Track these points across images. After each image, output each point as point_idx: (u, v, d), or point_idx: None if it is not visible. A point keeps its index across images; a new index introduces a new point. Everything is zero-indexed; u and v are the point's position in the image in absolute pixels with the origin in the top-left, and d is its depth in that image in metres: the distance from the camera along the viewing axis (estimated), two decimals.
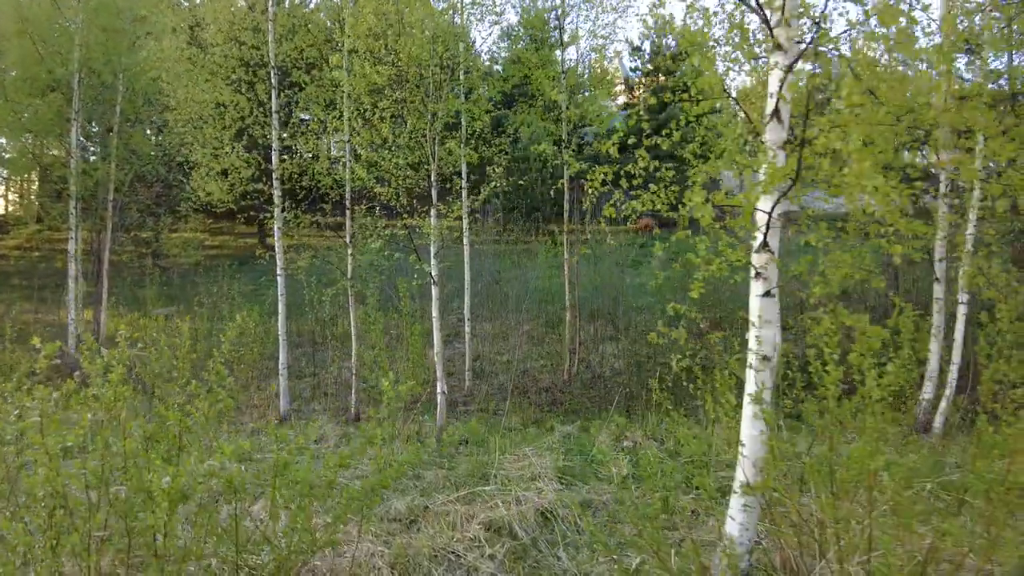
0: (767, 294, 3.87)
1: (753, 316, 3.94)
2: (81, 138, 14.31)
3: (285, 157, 9.04)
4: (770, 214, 3.66)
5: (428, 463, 6.96)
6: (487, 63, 18.72)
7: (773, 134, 3.76)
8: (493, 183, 7.53)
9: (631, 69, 28.54)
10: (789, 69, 3.67)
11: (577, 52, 11.62)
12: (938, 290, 7.63)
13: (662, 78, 27.21)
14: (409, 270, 12.38)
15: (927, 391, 7.75)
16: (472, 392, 10.80)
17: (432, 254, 8.20)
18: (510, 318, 14.27)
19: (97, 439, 2.76)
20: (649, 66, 27.57)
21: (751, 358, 3.89)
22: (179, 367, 3.34)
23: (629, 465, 6.47)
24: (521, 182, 19.62)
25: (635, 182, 4.63)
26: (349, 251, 9.44)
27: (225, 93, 9.35)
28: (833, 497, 3.48)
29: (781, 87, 3.67)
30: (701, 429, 7.94)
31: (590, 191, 4.72)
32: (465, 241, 10.93)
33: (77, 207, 13.56)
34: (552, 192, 22.66)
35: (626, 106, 27.77)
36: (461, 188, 10.26)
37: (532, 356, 12.46)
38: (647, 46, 27.84)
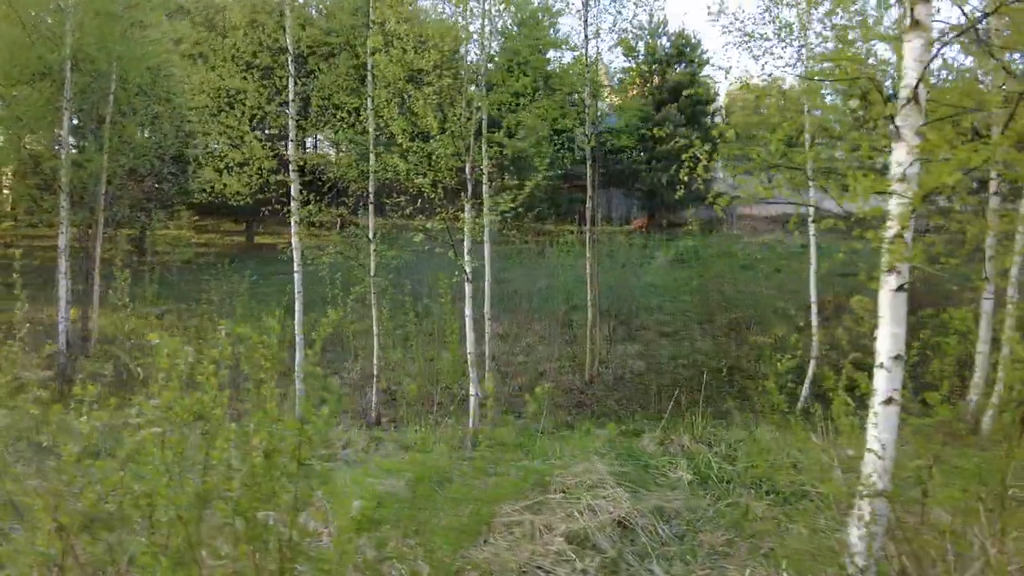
0: (900, 288, 3.63)
1: (883, 312, 3.69)
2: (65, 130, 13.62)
3: (311, 150, 8.60)
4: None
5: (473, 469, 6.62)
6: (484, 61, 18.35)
7: (910, 118, 3.53)
8: (540, 175, 7.23)
9: (624, 69, 28.45)
10: (936, 48, 3.44)
11: (596, 47, 11.34)
12: (987, 289, 7.53)
13: (656, 79, 27.19)
14: (437, 267, 11.98)
15: (974, 392, 7.64)
16: (480, 393, 10.47)
17: (466, 250, 7.87)
18: (521, 318, 13.96)
19: (212, 454, 2.39)
20: (643, 66, 27.52)
21: (882, 357, 3.65)
22: (267, 368, 2.97)
23: (689, 470, 6.21)
24: (519, 180, 19.26)
25: (740, 169, 4.36)
26: (372, 247, 9.06)
27: (237, 79, 8.89)
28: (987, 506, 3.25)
29: (925, 68, 3.43)
30: (748, 433, 7.73)
31: (685, 176, 4.46)
32: (486, 239, 10.60)
33: (68, 200, 12.89)
34: (550, 191, 22.43)
35: (619, 107, 27.62)
36: (482, 184, 9.92)
37: (549, 357, 12.17)
38: (641, 46, 27.76)
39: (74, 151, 14.96)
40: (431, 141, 6.66)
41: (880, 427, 3.62)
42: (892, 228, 3.60)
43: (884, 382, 3.63)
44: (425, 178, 6.79)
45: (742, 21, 9.01)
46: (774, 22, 8.78)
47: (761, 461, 5.55)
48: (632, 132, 11.16)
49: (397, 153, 7.77)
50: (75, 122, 15.21)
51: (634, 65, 27.27)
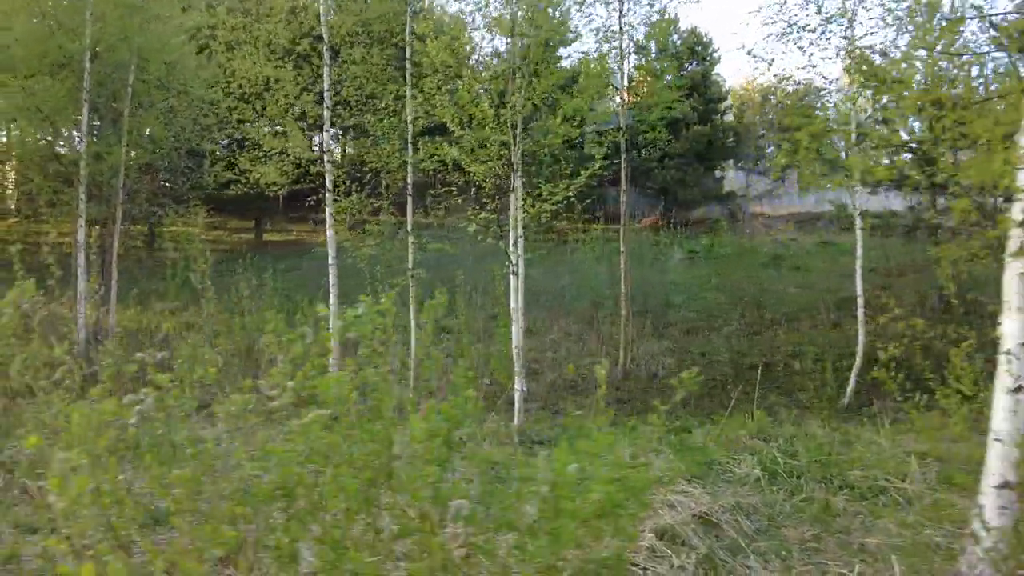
0: None
1: (1009, 298, 3.55)
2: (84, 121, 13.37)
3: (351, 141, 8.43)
4: None
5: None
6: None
7: None
8: (597, 164, 7.09)
9: (634, 67, 28.18)
10: None
11: (630, 40, 11.17)
12: None
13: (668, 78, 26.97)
14: (454, 263, 11.82)
15: None
16: (525, 389, 10.31)
17: (512, 242, 7.71)
18: (545, 313, 13.81)
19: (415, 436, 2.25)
20: (655, 65, 27.33)
21: (1009, 343, 3.51)
22: (434, 355, 2.82)
23: (756, 465, 6.06)
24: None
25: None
26: (410, 240, 8.89)
27: (270, 68, 8.69)
28: None
29: None
30: (799, 428, 7.60)
31: (796, 162, 4.30)
32: (519, 231, 10.45)
33: (87, 193, 12.67)
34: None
35: (652, 99, 27.28)
36: (517, 177, 9.77)
37: (578, 352, 12.02)
38: (652, 45, 27.60)
39: (82, 146, 14.70)
40: (486, 128, 6.50)
41: (1008, 416, 3.48)
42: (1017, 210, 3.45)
43: (1015, 369, 3.49)
44: (481, 165, 6.63)
45: (784, 13, 8.89)
46: (820, 12, 8.68)
47: (864, 455, 5.38)
48: (664, 126, 11.07)
49: (441, 143, 7.60)
50: (79, 117, 14.96)
51: (644, 63, 27.03)
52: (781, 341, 11.66)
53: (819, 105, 10.42)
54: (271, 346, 2.78)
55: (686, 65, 27.33)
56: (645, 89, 27.31)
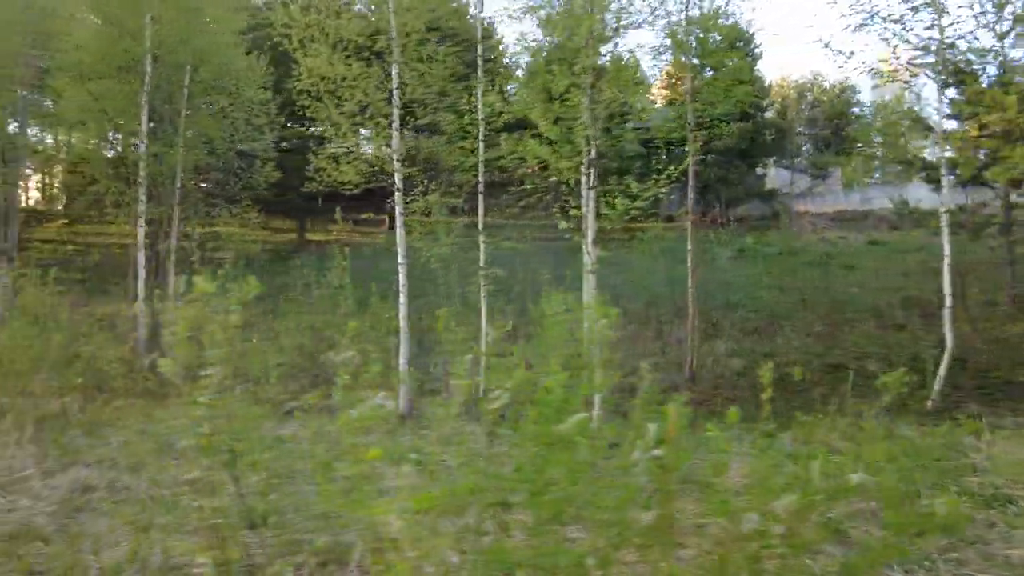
0: None
1: None
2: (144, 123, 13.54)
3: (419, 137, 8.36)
4: None
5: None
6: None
7: None
8: (688, 157, 6.93)
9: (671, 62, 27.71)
10: None
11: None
12: None
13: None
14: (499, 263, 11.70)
15: None
16: None
17: (589, 240, 7.57)
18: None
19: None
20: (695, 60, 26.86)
21: None
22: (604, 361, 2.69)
23: (864, 470, 5.84)
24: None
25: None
26: (481, 239, 8.80)
27: (340, 66, 8.66)
28: None
29: None
30: (890, 431, 7.34)
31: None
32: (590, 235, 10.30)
33: (146, 193, 12.81)
34: None
35: (670, 102, 27.07)
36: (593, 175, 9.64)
37: (638, 353, 11.82)
38: (692, 40, 27.09)
39: (143, 147, 14.88)
40: (576, 125, 6.37)
41: None
42: None
43: None
44: (566, 162, 6.51)
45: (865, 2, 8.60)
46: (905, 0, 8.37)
47: (977, 460, 5.13)
48: (728, 121, 10.89)
49: (520, 139, 7.49)
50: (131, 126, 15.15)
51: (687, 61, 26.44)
52: (850, 342, 11.36)
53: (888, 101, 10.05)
54: (451, 345, 2.69)
55: (726, 61, 26.79)
56: (686, 82, 26.95)
